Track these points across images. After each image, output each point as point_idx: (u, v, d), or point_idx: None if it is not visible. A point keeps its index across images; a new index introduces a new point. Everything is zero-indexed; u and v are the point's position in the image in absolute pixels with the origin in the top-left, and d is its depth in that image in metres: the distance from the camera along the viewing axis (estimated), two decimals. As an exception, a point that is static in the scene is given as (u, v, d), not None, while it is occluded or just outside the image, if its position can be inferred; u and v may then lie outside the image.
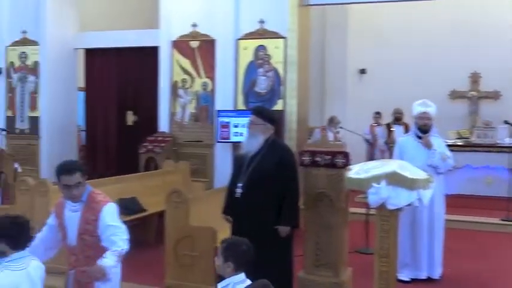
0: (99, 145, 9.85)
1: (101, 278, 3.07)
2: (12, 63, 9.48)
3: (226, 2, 7.99)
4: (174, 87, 8.43)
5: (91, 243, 3.31)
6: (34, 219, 4.84)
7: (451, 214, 6.22)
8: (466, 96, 11.62)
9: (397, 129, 9.42)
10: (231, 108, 7.97)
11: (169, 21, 8.41)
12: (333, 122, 10.15)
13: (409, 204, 4.06)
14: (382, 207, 4.05)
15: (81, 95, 10.17)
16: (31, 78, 9.38)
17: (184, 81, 8.37)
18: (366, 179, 4.06)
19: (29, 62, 9.38)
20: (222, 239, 3.02)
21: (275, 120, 4.61)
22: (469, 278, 5.61)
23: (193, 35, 8.31)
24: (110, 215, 3.30)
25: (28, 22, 9.28)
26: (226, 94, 8.07)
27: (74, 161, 3.42)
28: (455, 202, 7.03)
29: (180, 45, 8.38)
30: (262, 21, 7.88)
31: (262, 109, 4.87)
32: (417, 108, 5.50)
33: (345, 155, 4.53)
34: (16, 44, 9.43)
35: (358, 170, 4.25)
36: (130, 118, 9.58)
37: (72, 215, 3.34)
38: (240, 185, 4.31)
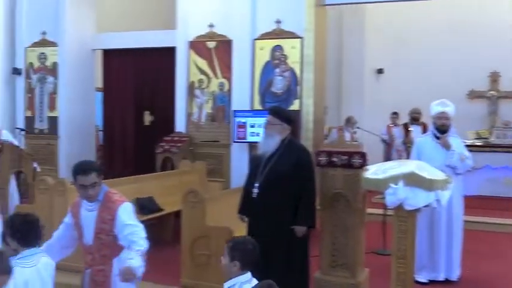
0: (116, 145, 9.93)
1: (132, 279, 3.09)
2: (31, 64, 9.60)
3: (243, 3, 8.00)
4: (190, 88, 8.46)
5: (107, 243, 3.34)
6: (53, 218, 4.93)
7: (470, 215, 6.15)
8: (485, 96, 11.49)
9: (415, 129, 9.34)
10: (247, 108, 7.98)
11: (186, 22, 8.44)
12: (350, 122, 10.12)
13: (427, 205, 4.02)
14: (399, 208, 4.01)
15: (99, 96, 10.26)
16: (50, 79, 9.48)
17: (201, 81, 8.40)
18: (384, 180, 4.04)
19: (48, 63, 9.49)
20: (228, 239, 3.02)
21: (292, 120, 4.60)
22: (487, 280, 5.54)
23: (210, 36, 8.33)
24: (127, 214, 3.33)
25: (47, 23, 9.38)
26: (243, 94, 8.07)
27: (90, 161, 3.45)
28: (474, 203, 6.96)
29: (197, 45, 8.41)
30: (278, 21, 7.87)
31: (279, 109, 4.87)
32: (435, 108, 5.44)
33: (362, 155, 4.50)
34: (35, 45, 9.54)
35: (375, 171, 4.22)
36: (148, 118, 9.63)
37: (89, 214, 3.37)
38: (256, 185, 4.31)
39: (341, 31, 11.88)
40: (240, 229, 4.56)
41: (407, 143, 9.04)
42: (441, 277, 5.32)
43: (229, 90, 8.23)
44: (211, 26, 8.30)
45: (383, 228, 6.38)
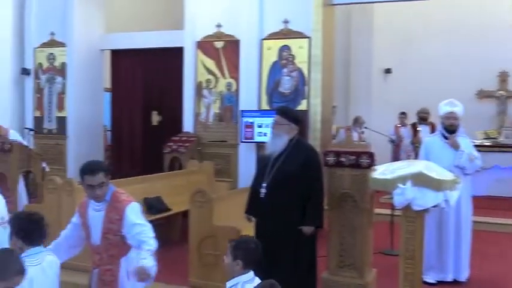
0: (124, 145, 9.96)
1: (147, 278, 3.10)
2: (40, 64, 9.65)
3: (251, 3, 8.00)
4: (198, 88, 8.47)
5: (115, 242, 3.35)
6: (61, 218, 4.96)
7: (479, 216, 6.13)
8: (494, 95, 11.42)
9: (423, 129, 9.31)
10: (255, 108, 7.97)
11: (194, 22, 8.45)
12: (357, 122, 10.10)
13: (435, 206, 4.00)
14: (407, 208, 4.00)
15: (107, 96, 10.29)
16: (59, 79, 9.53)
17: (208, 81, 8.41)
18: (392, 180, 4.03)
19: (57, 63, 9.53)
20: (230, 238, 3.02)
21: (299, 120, 4.60)
22: (496, 281, 5.50)
23: (218, 36, 8.34)
24: (135, 214, 3.34)
25: (56, 24, 9.42)
26: (250, 94, 8.07)
27: (97, 161, 3.47)
28: (483, 203, 6.93)
29: (205, 45, 8.42)
30: (286, 21, 7.86)
31: (287, 109, 4.87)
32: (444, 107, 5.42)
33: (370, 155, 4.49)
34: (44, 45, 9.59)
35: (383, 171, 4.21)
36: (155, 118, 9.65)
37: (96, 214, 3.38)
38: (264, 185, 4.31)
39: (349, 31, 11.86)
40: (248, 229, 4.56)
41: (416, 143, 9.00)
42: (449, 278, 5.30)
43: (237, 90, 8.23)
44: (218, 26, 8.30)
45: (391, 228, 6.37)
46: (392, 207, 6.05)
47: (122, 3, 11.16)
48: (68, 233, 3.57)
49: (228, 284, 2.91)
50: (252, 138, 7.83)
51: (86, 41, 9.49)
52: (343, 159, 4.54)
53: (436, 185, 3.91)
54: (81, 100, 9.46)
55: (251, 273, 2.90)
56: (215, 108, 8.39)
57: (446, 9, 10.87)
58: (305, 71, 7.77)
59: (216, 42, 8.35)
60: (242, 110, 8.00)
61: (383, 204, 6.99)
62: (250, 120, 7.82)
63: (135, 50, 9.56)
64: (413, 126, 9.73)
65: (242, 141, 8.00)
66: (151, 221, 3.50)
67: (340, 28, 10.12)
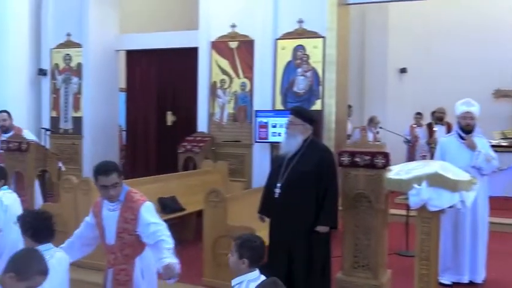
0: (139, 145, 10.02)
1: (174, 276, 3.12)
2: (56, 65, 9.75)
3: (265, 3, 7.99)
4: (212, 88, 8.49)
5: (130, 242, 3.37)
6: (77, 217, 4.99)
7: (496, 217, 6.06)
8: (510, 95, 11.28)
9: (439, 129, 9.23)
10: (269, 108, 7.97)
11: (208, 22, 8.47)
12: (372, 122, 10.06)
13: (451, 207, 3.96)
14: (423, 208, 3.96)
15: (122, 96, 10.36)
16: (74, 79, 9.62)
17: (222, 81, 8.42)
18: (407, 180, 3.99)
19: (73, 64, 9.63)
20: (236, 236, 3.02)
21: (314, 120, 4.59)
22: (514, 283, 5.44)
23: (232, 36, 8.35)
24: (149, 213, 3.36)
25: (72, 25, 9.52)
26: (265, 94, 8.07)
27: (111, 162, 3.48)
28: (499, 204, 6.84)
29: (219, 45, 8.44)
30: (301, 21, 7.85)
31: (301, 109, 4.86)
32: (460, 107, 5.36)
33: (385, 155, 4.47)
34: (60, 46, 9.69)
35: (398, 171, 4.18)
36: (170, 118, 9.69)
37: (110, 214, 3.40)
38: (278, 185, 4.31)
39: (364, 30, 11.79)
40: (262, 229, 4.56)
41: (431, 144, 8.93)
42: (465, 279, 5.24)
43: (251, 90, 8.24)
44: (233, 26, 8.31)
45: (406, 229, 6.32)
46: (407, 207, 6.00)
47: (137, 4, 11.23)
48: (81, 232, 3.60)
49: (234, 281, 2.91)
50: (266, 138, 7.83)
51: (101, 42, 9.57)
52: (357, 159, 4.52)
53: (452, 185, 3.87)
54: (97, 100, 9.54)
55: (257, 272, 2.90)
56: (229, 108, 8.40)
57: (463, 8, 10.77)
58: (319, 71, 7.74)
59: (230, 42, 8.36)
60: (256, 110, 8.00)
61: (398, 204, 6.94)
62: (265, 120, 7.81)
63: (149, 51, 9.61)
64: (429, 126, 9.65)
65: (256, 141, 8.00)
66: (165, 221, 3.51)
67: (354, 27, 10.07)
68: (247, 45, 8.25)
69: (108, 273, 3.48)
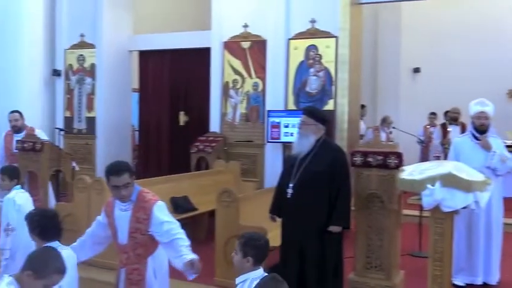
0: (152, 145, 10.06)
1: (198, 271, 3.20)
2: (70, 65, 9.83)
3: (277, 3, 7.99)
4: (225, 88, 8.51)
5: (142, 242, 3.38)
6: (91, 216, 5.02)
7: (510, 218, 5.99)
8: (525, 95, 11.18)
9: (454, 130, 9.15)
10: (281, 108, 7.96)
11: (221, 23, 8.49)
12: (385, 122, 10.00)
13: (465, 207, 3.93)
14: (436, 209, 3.93)
15: (135, 96, 10.42)
16: (88, 80, 9.69)
17: (235, 81, 8.43)
18: (420, 180, 3.96)
19: (86, 65, 9.70)
20: (240, 234, 3.01)
21: (326, 120, 4.58)
22: (529, 284, 5.37)
23: (245, 36, 8.36)
24: (162, 212, 3.38)
25: (85, 26, 9.60)
26: (277, 94, 8.06)
27: (122, 162, 3.49)
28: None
29: (231, 46, 8.45)
30: (313, 21, 7.83)
31: (314, 109, 4.85)
32: (474, 107, 5.31)
33: (398, 155, 4.44)
34: (74, 47, 9.77)
35: (411, 171, 4.15)
36: (183, 118, 9.72)
37: (122, 214, 3.42)
38: (291, 185, 4.31)
39: (376, 30, 11.74)
40: (274, 229, 4.55)
41: (445, 144, 8.85)
42: (479, 281, 5.18)
43: (264, 90, 8.24)
44: (245, 26, 8.32)
45: (419, 230, 6.27)
46: (420, 208, 5.96)
47: (151, 7, 11.28)
48: (93, 231, 3.63)
49: (238, 280, 2.91)
50: (278, 138, 7.82)
51: (114, 43, 9.63)
52: (370, 159, 4.50)
53: (465, 186, 3.83)
54: (110, 101, 9.61)
55: (260, 270, 2.89)
56: (242, 108, 8.41)
57: (476, 7, 10.67)
58: (332, 71, 7.72)
59: (242, 43, 8.37)
60: (268, 110, 7.99)
61: (411, 205, 6.90)
62: (277, 120, 7.81)
63: (162, 51, 9.66)
64: (443, 126, 9.57)
65: (268, 141, 8.00)
66: (178, 220, 3.53)
67: (367, 27, 10.03)
68: (259, 45, 8.25)
69: (120, 272, 3.49)
